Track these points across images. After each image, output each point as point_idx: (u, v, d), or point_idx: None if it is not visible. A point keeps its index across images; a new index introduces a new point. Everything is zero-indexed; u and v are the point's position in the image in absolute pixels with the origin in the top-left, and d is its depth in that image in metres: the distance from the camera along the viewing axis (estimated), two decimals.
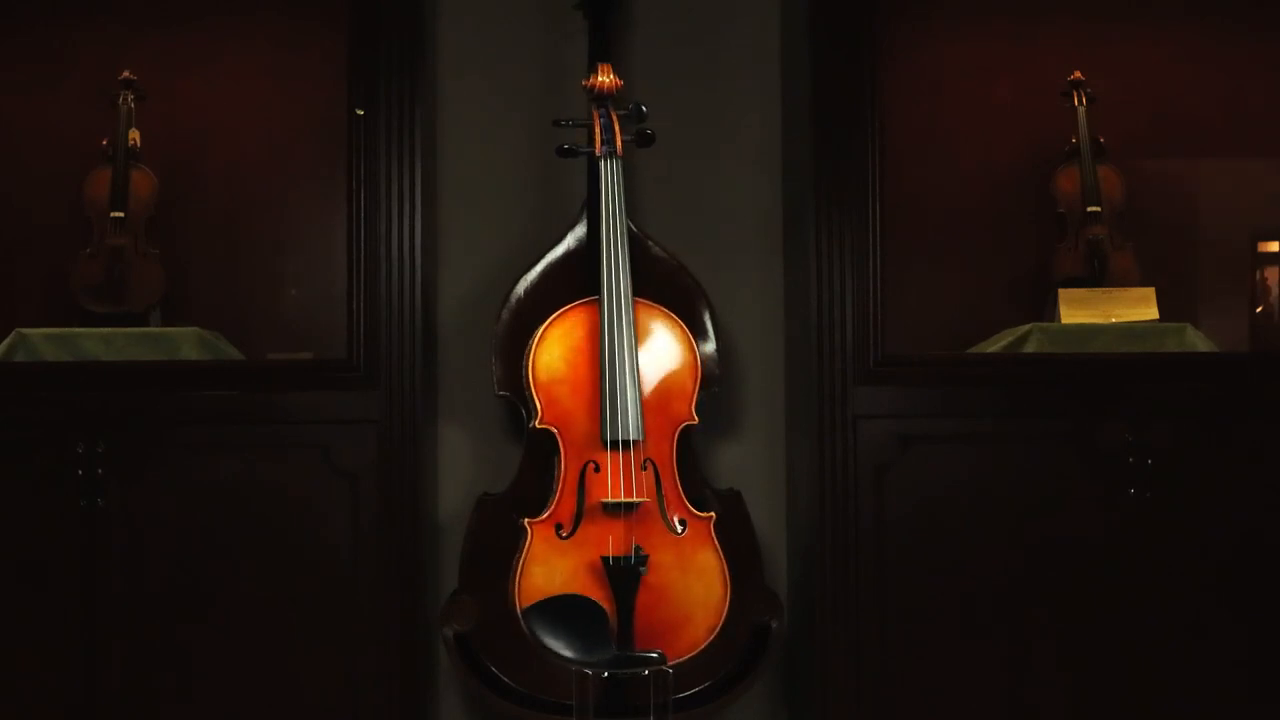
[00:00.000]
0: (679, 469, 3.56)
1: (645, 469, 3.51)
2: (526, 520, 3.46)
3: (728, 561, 3.53)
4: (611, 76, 3.63)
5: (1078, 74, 4.20)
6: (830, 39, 3.72)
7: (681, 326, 3.61)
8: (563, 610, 3.38)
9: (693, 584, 3.51)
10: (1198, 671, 3.71)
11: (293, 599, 3.66)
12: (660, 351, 3.59)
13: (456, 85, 4.05)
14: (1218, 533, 3.72)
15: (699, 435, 3.80)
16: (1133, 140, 4.26)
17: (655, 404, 3.55)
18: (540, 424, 3.50)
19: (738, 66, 4.11)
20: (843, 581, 3.69)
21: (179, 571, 3.66)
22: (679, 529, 3.51)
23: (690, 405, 3.60)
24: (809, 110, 3.73)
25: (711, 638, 3.51)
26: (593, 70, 3.64)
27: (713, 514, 3.56)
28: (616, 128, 3.59)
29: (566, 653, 3.34)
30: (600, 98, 3.62)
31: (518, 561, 3.44)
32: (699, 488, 3.67)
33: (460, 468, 3.99)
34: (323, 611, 3.67)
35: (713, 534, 3.54)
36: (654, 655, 3.39)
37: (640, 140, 3.65)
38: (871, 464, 3.70)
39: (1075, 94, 4.19)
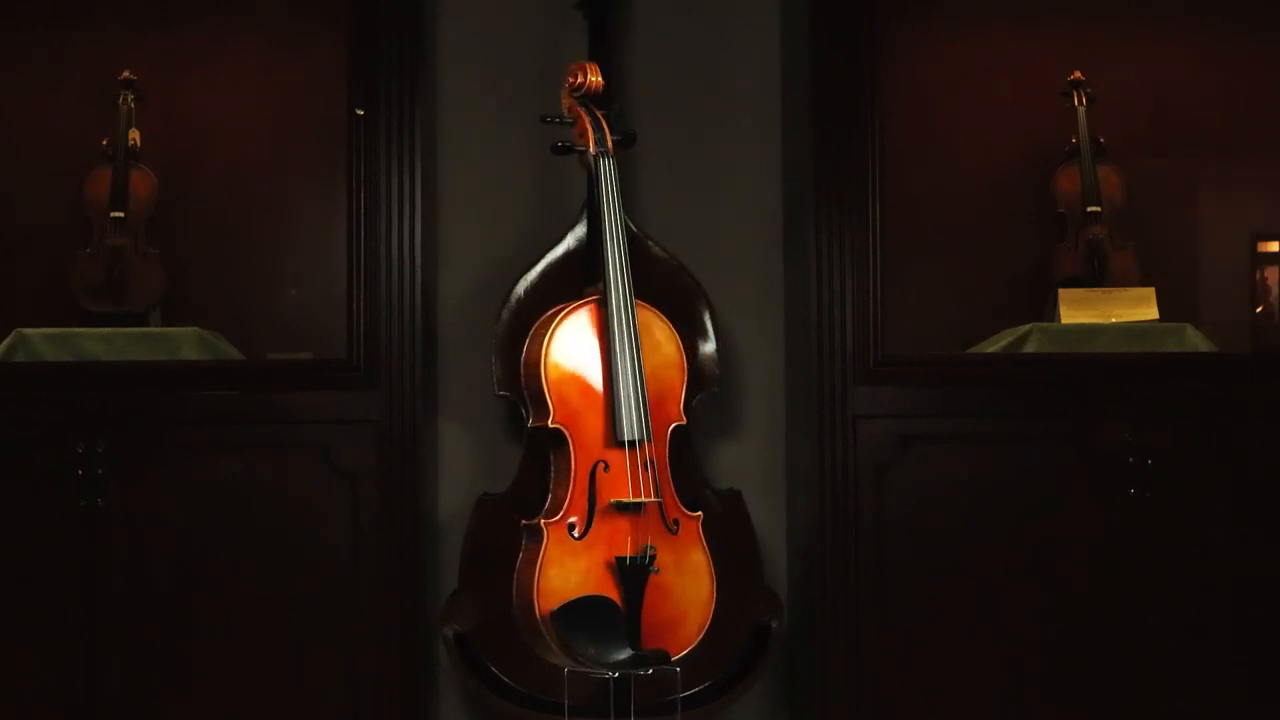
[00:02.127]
0: (671, 469, 3.55)
1: (648, 469, 3.50)
2: (542, 521, 3.45)
3: (715, 560, 3.52)
4: (599, 76, 3.60)
5: (1078, 74, 4.20)
6: (830, 39, 3.72)
7: (670, 326, 3.59)
8: (586, 612, 3.36)
9: (687, 583, 3.50)
10: (1198, 671, 3.71)
11: (293, 599, 3.66)
12: (652, 351, 3.57)
13: (456, 85, 4.05)
14: (1218, 533, 3.72)
15: (699, 435, 3.80)
16: (1133, 140, 4.26)
17: (651, 404, 3.54)
18: (552, 423, 3.48)
19: (738, 66, 4.11)
20: (843, 581, 3.69)
21: (179, 571, 3.66)
22: (674, 529, 3.51)
23: (680, 405, 3.59)
24: (809, 110, 3.73)
25: (702, 635, 3.50)
26: (581, 69, 3.60)
27: (700, 513, 3.55)
28: (605, 127, 3.58)
29: (593, 655, 3.33)
30: (586, 97, 3.60)
31: (535, 563, 3.41)
32: (698, 487, 3.67)
33: (460, 468, 3.98)
34: (323, 611, 3.67)
35: (700, 533, 3.54)
36: (650, 654, 3.38)
37: (624, 140, 3.65)
38: (871, 464, 3.70)
39: (1075, 94, 4.20)
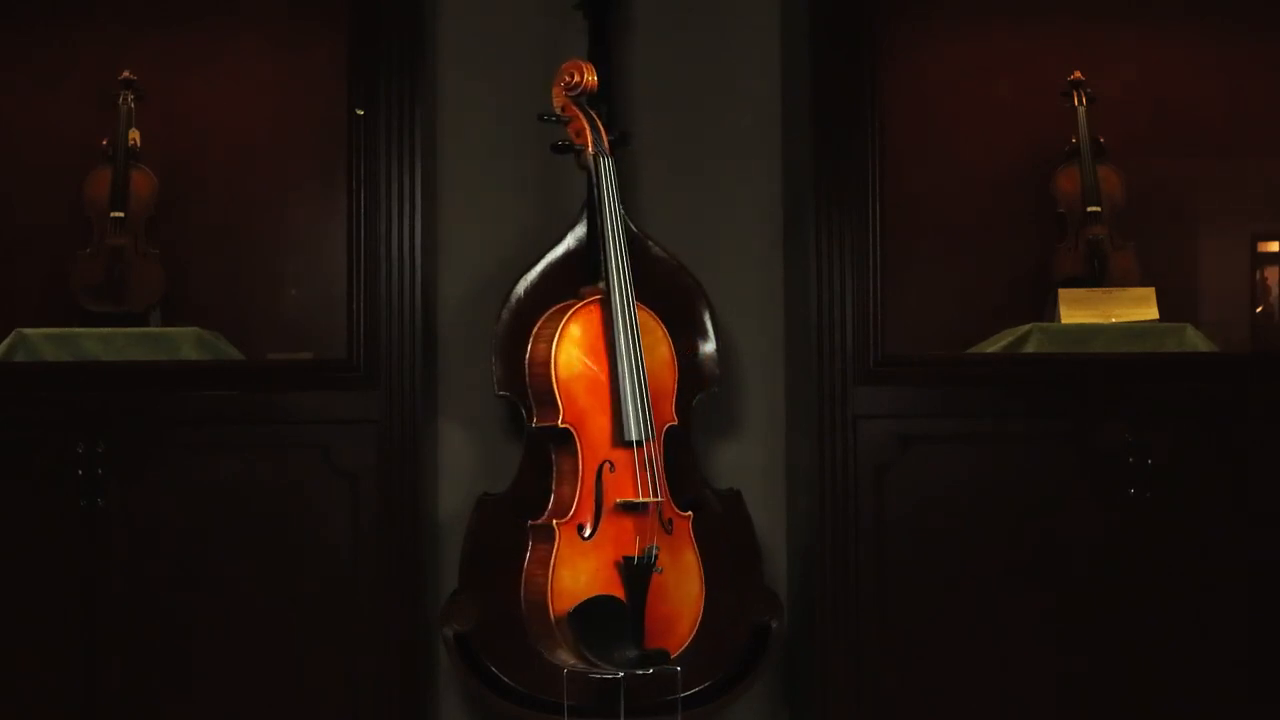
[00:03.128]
0: (666, 469, 3.54)
1: (648, 469, 3.50)
2: (554, 521, 3.44)
3: (705, 559, 3.52)
4: (595, 75, 3.59)
5: (1078, 74, 4.20)
6: (830, 39, 3.72)
7: (663, 326, 3.58)
8: (598, 612, 3.36)
9: (682, 582, 3.50)
10: (1198, 671, 3.71)
11: (293, 599, 3.66)
12: (648, 352, 3.54)
13: (456, 85, 4.05)
14: (1218, 533, 3.72)
15: (699, 435, 3.80)
16: (1133, 140, 4.26)
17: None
18: (562, 423, 3.47)
19: (738, 66, 4.11)
20: (843, 581, 3.69)
21: (179, 571, 3.66)
22: (669, 528, 3.50)
23: (673, 406, 3.58)
24: (809, 110, 3.73)
25: (694, 634, 3.50)
26: (576, 68, 3.59)
27: (690, 513, 3.54)
28: (601, 126, 3.57)
29: (605, 655, 3.32)
30: (582, 96, 3.59)
31: (547, 564, 3.39)
32: (697, 487, 3.67)
33: (460, 468, 3.99)
34: (323, 611, 3.67)
35: (691, 532, 3.53)
36: (653, 654, 3.38)
37: (619, 140, 3.65)
38: (871, 464, 3.70)
39: (1075, 94, 4.20)
